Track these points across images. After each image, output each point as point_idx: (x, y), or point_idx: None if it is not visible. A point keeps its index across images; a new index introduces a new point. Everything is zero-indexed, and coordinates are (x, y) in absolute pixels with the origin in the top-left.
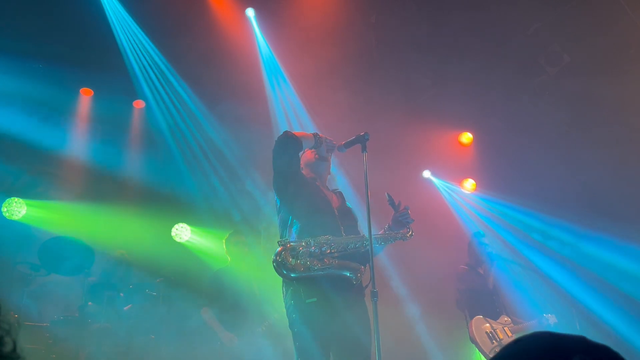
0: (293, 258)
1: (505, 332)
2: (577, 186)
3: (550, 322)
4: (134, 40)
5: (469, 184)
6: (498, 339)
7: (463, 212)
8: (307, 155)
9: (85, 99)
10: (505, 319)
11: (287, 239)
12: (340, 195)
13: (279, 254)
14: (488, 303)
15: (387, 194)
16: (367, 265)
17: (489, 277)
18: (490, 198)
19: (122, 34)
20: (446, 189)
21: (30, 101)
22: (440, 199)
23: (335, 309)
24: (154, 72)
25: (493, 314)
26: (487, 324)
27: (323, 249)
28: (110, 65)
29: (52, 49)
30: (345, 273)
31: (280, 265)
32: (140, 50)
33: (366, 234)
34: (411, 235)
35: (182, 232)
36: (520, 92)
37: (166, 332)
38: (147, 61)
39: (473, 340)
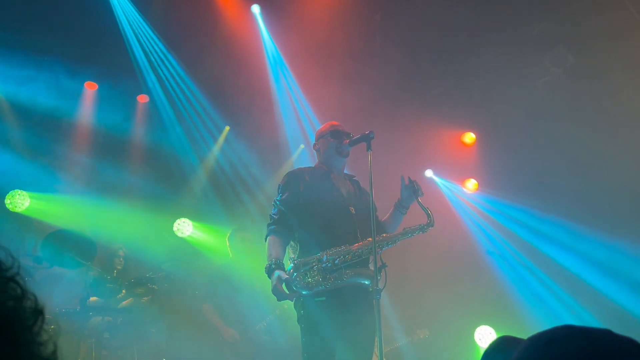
0: (305, 276)
1: None
2: (580, 186)
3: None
4: (141, 36)
5: (471, 184)
6: None
7: (465, 211)
8: (327, 148)
9: (89, 92)
10: None
11: (298, 258)
12: (355, 183)
13: (291, 273)
14: None
15: (402, 177)
16: (383, 270)
17: None
18: (493, 198)
19: (128, 28)
20: (448, 188)
21: (34, 95)
22: (442, 198)
23: (343, 308)
24: (158, 66)
25: None
26: None
27: (336, 261)
28: (115, 59)
29: (56, 42)
30: (360, 281)
31: (291, 283)
32: (145, 45)
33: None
34: (430, 224)
35: (184, 227)
36: (524, 92)
37: (167, 326)
38: (152, 56)
39: None
